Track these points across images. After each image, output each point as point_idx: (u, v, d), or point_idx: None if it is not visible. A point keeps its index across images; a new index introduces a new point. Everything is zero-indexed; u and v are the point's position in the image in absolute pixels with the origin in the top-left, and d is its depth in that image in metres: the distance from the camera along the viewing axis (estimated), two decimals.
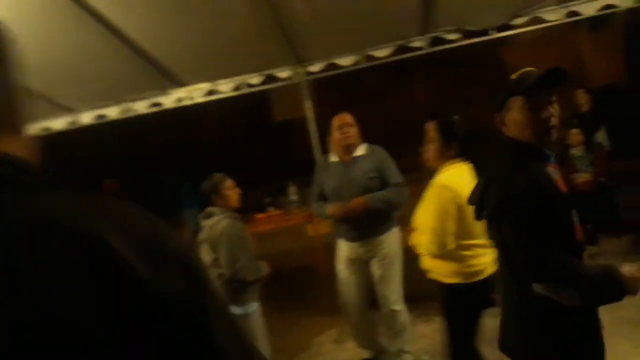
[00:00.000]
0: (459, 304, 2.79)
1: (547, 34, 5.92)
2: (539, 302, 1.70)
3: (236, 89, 5.07)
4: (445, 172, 2.71)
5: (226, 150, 9.57)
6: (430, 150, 2.76)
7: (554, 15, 4.61)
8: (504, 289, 1.92)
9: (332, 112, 4.01)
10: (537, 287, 1.69)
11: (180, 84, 5.09)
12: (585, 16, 4.78)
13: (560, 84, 1.76)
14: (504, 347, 1.96)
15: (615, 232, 5.75)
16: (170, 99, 5.18)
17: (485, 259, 2.70)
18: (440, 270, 2.79)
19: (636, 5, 4.63)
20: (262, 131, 9.52)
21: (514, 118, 1.83)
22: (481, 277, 2.70)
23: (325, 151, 5.54)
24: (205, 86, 5.10)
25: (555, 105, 1.80)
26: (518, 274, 1.74)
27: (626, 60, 7.65)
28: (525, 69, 1.85)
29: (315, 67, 4.87)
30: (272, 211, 6.08)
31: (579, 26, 7.49)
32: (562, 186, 1.82)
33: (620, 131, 6.22)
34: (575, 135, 5.94)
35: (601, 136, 6.14)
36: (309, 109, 4.98)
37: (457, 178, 2.65)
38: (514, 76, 1.86)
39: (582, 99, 6.41)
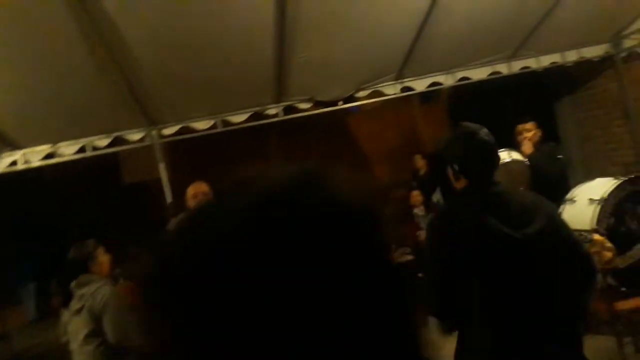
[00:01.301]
0: None
1: (387, 105, 6.57)
2: None
3: (80, 151, 4.71)
4: None
5: (68, 216, 8.74)
6: None
7: (391, 90, 5.17)
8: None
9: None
10: None
11: (15, 146, 4.60)
12: (418, 91, 5.44)
13: None
14: None
15: None
16: (2, 164, 4.63)
17: None
18: None
19: (457, 83, 5.40)
20: (109, 195, 8.91)
21: None
22: None
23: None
24: (44, 149, 4.67)
25: None
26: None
27: (452, 127, 8.77)
28: None
29: (169, 130, 4.77)
30: (124, 283, 5.57)
31: (412, 99, 8.41)
32: None
33: (451, 190, 6.98)
34: (416, 196, 6.53)
35: (437, 196, 6.82)
36: (163, 172, 4.82)
37: None
38: None
39: (420, 163, 7.12)
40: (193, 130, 4.79)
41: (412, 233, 6.36)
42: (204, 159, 7.00)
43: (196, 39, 3.87)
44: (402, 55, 4.83)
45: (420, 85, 5.30)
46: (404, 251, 6.17)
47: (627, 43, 5.71)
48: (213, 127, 4.77)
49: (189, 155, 7.08)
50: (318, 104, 4.96)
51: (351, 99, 5.13)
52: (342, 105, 5.08)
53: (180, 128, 4.78)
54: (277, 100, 4.84)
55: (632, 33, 5.60)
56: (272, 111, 4.88)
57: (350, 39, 4.38)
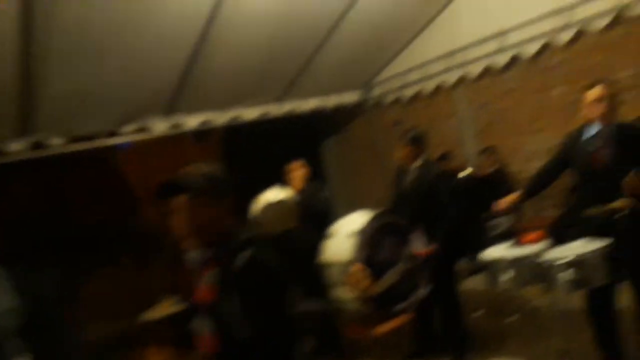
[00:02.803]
0: None
1: (159, 142, 6.25)
2: None
3: None
4: None
5: None
6: None
7: (160, 126, 4.91)
8: None
9: None
10: None
11: None
12: (189, 128, 5.29)
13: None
14: None
15: None
16: None
17: None
18: None
19: (228, 123, 5.42)
20: None
21: None
22: None
23: None
24: None
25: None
26: None
27: (225, 166, 8.79)
28: None
29: None
30: None
31: (185, 136, 8.20)
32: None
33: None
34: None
35: None
36: None
37: None
38: None
39: None
40: None
41: (185, 279, 6.04)
42: None
43: None
44: (171, 90, 4.65)
45: (191, 122, 5.17)
46: (173, 300, 5.79)
47: (375, 91, 6.49)
48: None
49: None
50: (74, 139, 4.43)
51: (114, 134, 4.73)
52: (103, 141, 4.63)
53: None
54: (22, 135, 4.17)
55: (380, 82, 6.39)
56: (15, 147, 4.17)
57: (112, 69, 4.05)
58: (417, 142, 4.05)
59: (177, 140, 8.12)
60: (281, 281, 1.65)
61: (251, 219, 4.46)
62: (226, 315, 1.60)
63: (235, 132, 6.16)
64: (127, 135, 4.75)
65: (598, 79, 3.13)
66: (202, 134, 7.69)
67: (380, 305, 3.74)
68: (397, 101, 6.34)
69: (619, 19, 4.30)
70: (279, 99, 5.75)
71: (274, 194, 4.60)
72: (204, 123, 5.25)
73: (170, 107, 4.89)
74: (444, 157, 5.63)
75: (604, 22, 4.36)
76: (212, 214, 1.68)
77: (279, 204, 4.48)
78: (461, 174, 5.31)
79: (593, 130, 2.91)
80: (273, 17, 4.43)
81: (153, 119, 4.86)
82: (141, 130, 4.83)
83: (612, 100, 2.88)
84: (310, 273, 4.10)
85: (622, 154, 2.80)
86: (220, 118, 5.34)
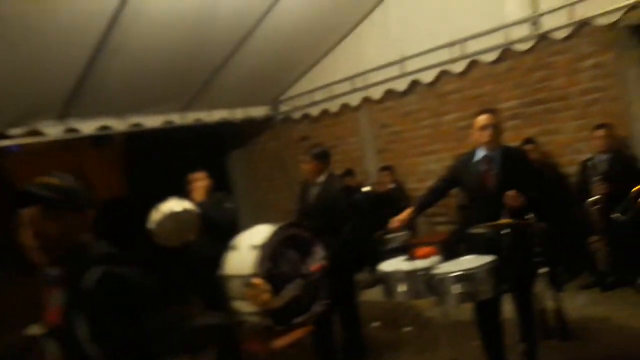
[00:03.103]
0: None
1: (53, 146, 5.84)
2: None
3: None
4: None
5: None
6: None
7: (53, 130, 4.60)
8: None
9: None
10: None
11: None
12: (86, 134, 5.01)
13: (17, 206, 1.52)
14: None
15: None
16: None
17: None
18: None
19: (129, 129, 5.20)
20: None
21: None
22: None
23: None
24: None
25: (24, 228, 1.52)
26: None
27: (126, 174, 8.36)
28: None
29: None
30: None
31: (82, 142, 7.73)
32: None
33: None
34: None
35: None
36: None
37: None
38: None
39: None
40: None
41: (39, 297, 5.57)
42: None
43: None
44: (67, 93, 4.38)
45: (87, 127, 4.90)
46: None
47: (283, 107, 6.57)
48: None
49: None
50: None
51: (2, 137, 4.36)
52: None
53: None
54: None
55: (287, 99, 6.48)
56: None
57: None
58: (322, 158, 4.15)
59: (72, 146, 7.64)
60: (142, 297, 1.52)
61: (148, 229, 4.29)
62: (74, 338, 1.48)
63: (139, 139, 5.93)
64: (16, 139, 4.39)
65: (486, 107, 3.42)
66: (102, 140, 7.32)
67: (280, 318, 3.75)
68: (304, 118, 6.46)
69: (505, 54, 4.74)
70: (184, 108, 5.63)
71: (173, 204, 4.47)
72: (101, 129, 4.98)
73: (65, 111, 4.60)
74: (348, 173, 5.81)
75: (492, 56, 4.78)
76: (63, 228, 1.53)
77: (178, 214, 4.36)
78: (362, 190, 5.52)
79: (481, 153, 3.16)
80: (181, 25, 4.35)
81: (45, 122, 4.54)
82: (32, 133, 4.49)
83: (497, 127, 3.16)
84: (211, 285, 4.02)
85: (508, 176, 3.07)
86: (119, 124, 5.11)
